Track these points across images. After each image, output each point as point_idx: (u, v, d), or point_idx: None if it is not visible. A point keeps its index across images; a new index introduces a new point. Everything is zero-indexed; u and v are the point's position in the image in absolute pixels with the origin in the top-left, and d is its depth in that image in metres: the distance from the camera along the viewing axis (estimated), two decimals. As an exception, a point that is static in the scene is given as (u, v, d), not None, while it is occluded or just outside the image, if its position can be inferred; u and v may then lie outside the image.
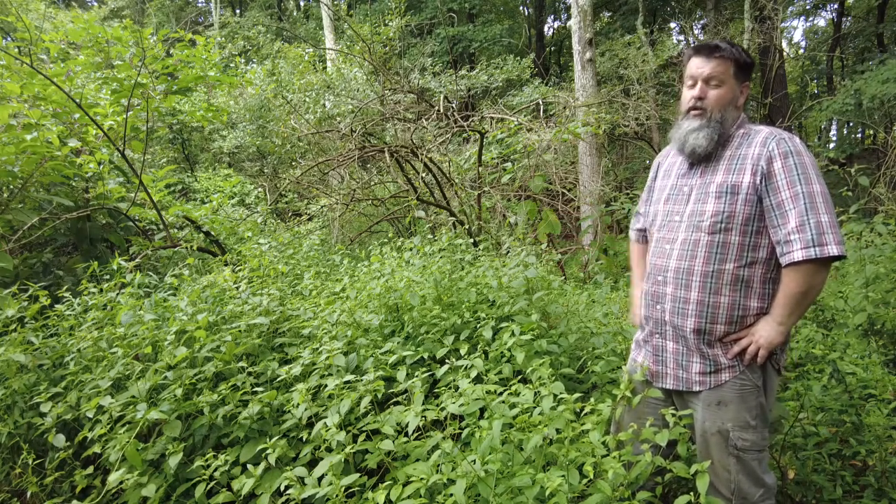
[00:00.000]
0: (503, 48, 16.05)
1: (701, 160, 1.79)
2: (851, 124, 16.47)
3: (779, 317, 1.66)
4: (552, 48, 21.54)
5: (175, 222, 4.71)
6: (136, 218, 4.47)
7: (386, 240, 5.03)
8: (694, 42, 14.33)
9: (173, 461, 1.92)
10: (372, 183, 7.34)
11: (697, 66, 1.77)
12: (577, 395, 1.79)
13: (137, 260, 3.66)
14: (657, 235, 1.89)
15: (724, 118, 1.74)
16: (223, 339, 2.36)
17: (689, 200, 1.78)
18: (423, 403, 1.98)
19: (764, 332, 1.67)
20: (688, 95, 1.80)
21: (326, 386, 2.04)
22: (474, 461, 1.65)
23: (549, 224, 5.64)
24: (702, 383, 1.75)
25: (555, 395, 1.77)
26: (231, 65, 11.79)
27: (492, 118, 6.87)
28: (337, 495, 1.65)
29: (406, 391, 2.14)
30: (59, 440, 2.19)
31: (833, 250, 1.55)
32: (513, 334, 2.30)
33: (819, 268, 1.59)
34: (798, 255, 1.58)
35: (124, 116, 4.01)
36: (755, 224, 1.67)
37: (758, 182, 1.65)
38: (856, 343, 3.28)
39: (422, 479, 1.63)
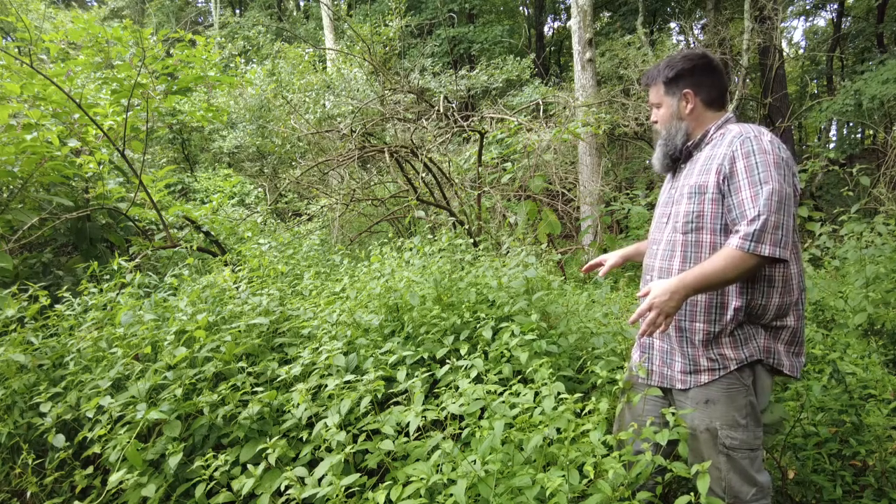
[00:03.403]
0: (503, 49, 16.05)
1: (680, 165, 1.89)
2: (851, 125, 16.47)
3: (685, 278, 1.61)
4: (552, 48, 21.54)
5: (175, 222, 4.71)
6: (136, 218, 4.47)
7: (386, 240, 5.03)
8: (694, 42, 14.34)
9: (173, 461, 1.92)
10: (372, 183, 7.34)
11: (648, 98, 1.96)
12: (577, 395, 1.79)
13: (137, 260, 3.66)
14: (650, 237, 1.97)
15: (669, 134, 1.87)
16: (223, 339, 2.35)
17: (673, 203, 1.84)
18: (424, 403, 1.99)
19: (657, 291, 1.62)
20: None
21: (326, 386, 2.04)
22: (474, 461, 1.66)
23: (549, 224, 5.63)
24: (683, 381, 1.77)
25: (555, 396, 1.77)
26: (231, 65, 11.78)
27: (492, 118, 6.87)
28: (337, 495, 1.65)
29: (406, 391, 2.14)
30: (59, 440, 2.18)
31: (765, 251, 1.55)
32: (513, 334, 2.31)
33: (747, 258, 1.57)
34: (734, 242, 1.59)
35: (124, 116, 4.01)
36: (724, 221, 1.69)
37: (720, 181, 1.68)
38: (856, 343, 3.28)
39: (422, 479, 1.63)
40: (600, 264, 2.15)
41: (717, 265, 1.59)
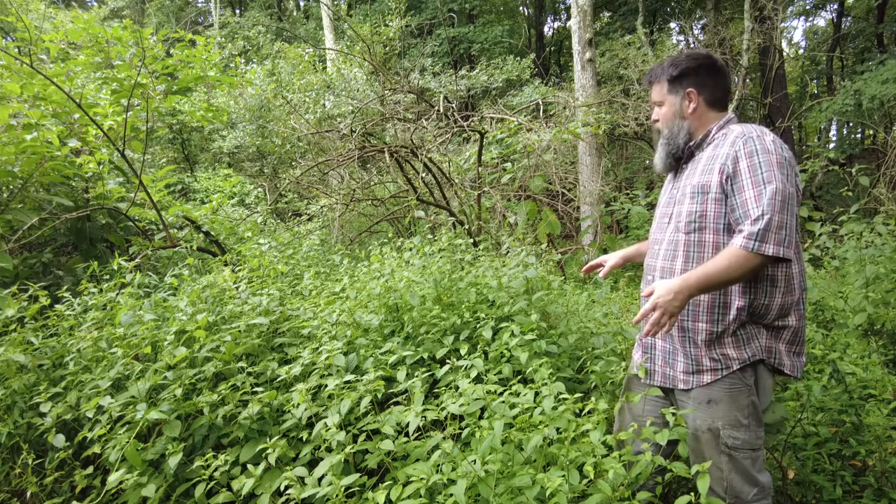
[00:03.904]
0: (503, 49, 16.05)
1: (681, 164, 1.89)
2: (851, 124, 16.47)
3: (688, 279, 1.62)
4: (552, 48, 21.53)
5: (175, 222, 4.71)
6: (136, 218, 4.47)
7: (386, 240, 5.03)
8: (694, 42, 14.34)
9: (173, 461, 1.92)
10: (372, 183, 7.34)
11: (650, 96, 1.94)
12: (577, 395, 1.79)
13: (137, 260, 3.66)
14: (651, 237, 1.97)
15: (671, 133, 1.87)
16: (223, 339, 2.35)
17: (675, 202, 1.84)
18: (423, 403, 1.99)
19: (661, 291, 1.62)
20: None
21: (326, 386, 2.04)
22: (474, 461, 1.65)
23: (549, 224, 5.63)
24: (685, 381, 1.77)
25: (555, 395, 1.77)
26: (231, 65, 11.78)
27: (492, 118, 6.87)
28: (337, 495, 1.65)
29: (406, 391, 2.14)
30: (59, 440, 2.18)
31: (769, 250, 1.56)
32: (513, 334, 2.31)
33: (751, 258, 1.58)
34: (738, 241, 1.59)
35: (124, 116, 4.01)
36: (726, 221, 1.69)
37: (723, 181, 1.68)
38: (856, 343, 3.28)
39: (422, 479, 1.63)
40: (600, 265, 2.14)
41: (721, 265, 1.60)
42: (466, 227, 4.93)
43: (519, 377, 2.16)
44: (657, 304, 1.63)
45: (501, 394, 1.90)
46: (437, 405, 1.88)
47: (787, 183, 1.60)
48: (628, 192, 6.52)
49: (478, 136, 5.75)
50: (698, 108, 1.83)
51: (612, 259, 2.12)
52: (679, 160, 1.88)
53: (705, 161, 1.77)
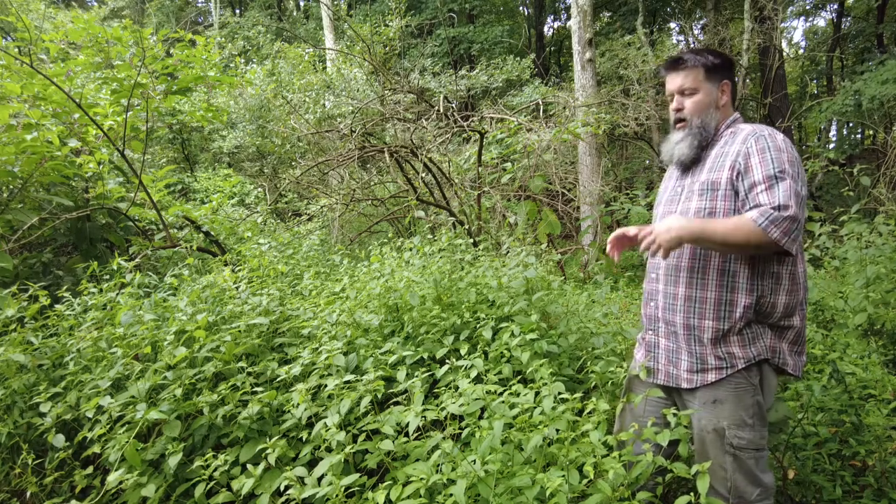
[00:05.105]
0: (503, 49, 16.05)
1: (691, 163, 1.86)
2: (851, 125, 16.47)
3: (692, 221, 1.63)
4: (552, 48, 21.53)
5: (175, 222, 4.71)
6: (136, 218, 4.47)
7: (386, 240, 5.03)
8: (694, 42, 14.34)
9: (173, 461, 1.92)
10: (372, 183, 7.34)
11: (670, 82, 1.87)
12: (577, 395, 1.79)
13: (137, 260, 3.66)
14: None
15: (704, 122, 1.82)
16: (223, 339, 2.35)
17: (681, 200, 1.83)
18: (423, 403, 1.98)
19: (660, 224, 1.64)
20: (670, 110, 1.90)
21: (326, 386, 2.04)
22: (474, 461, 1.65)
23: (549, 224, 5.64)
24: (689, 381, 1.76)
25: (556, 396, 1.77)
26: (231, 65, 11.78)
27: (492, 118, 6.87)
28: (337, 495, 1.65)
29: (406, 391, 2.14)
30: (59, 440, 2.18)
31: (775, 234, 1.56)
32: (513, 335, 2.31)
33: (756, 232, 1.58)
34: (752, 213, 1.59)
35: (124, 116, 4.01)
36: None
37: (734, 178, 1.68)
38: (856, 343, 3.28)
39: (422, 479, 1.63)
40: (625, 236, 1.88)
41: (728, 224, 1.60)
42: (466, 227, 4.93)
43: (519, 377, 2.16)
44: (653, 230, 1.65)
45: (501, 394, 1.90)
46: (437, 405, 1.88)
47: (798, 180, 1.61)
48: (628, 192, 6.52)
49: (478, 136, 5.75)
50: (727, 103, 1.84)
51: (632, 230, 1.89)
52: (704, 150, 1.84)
53: (713, 158, 1.76)
